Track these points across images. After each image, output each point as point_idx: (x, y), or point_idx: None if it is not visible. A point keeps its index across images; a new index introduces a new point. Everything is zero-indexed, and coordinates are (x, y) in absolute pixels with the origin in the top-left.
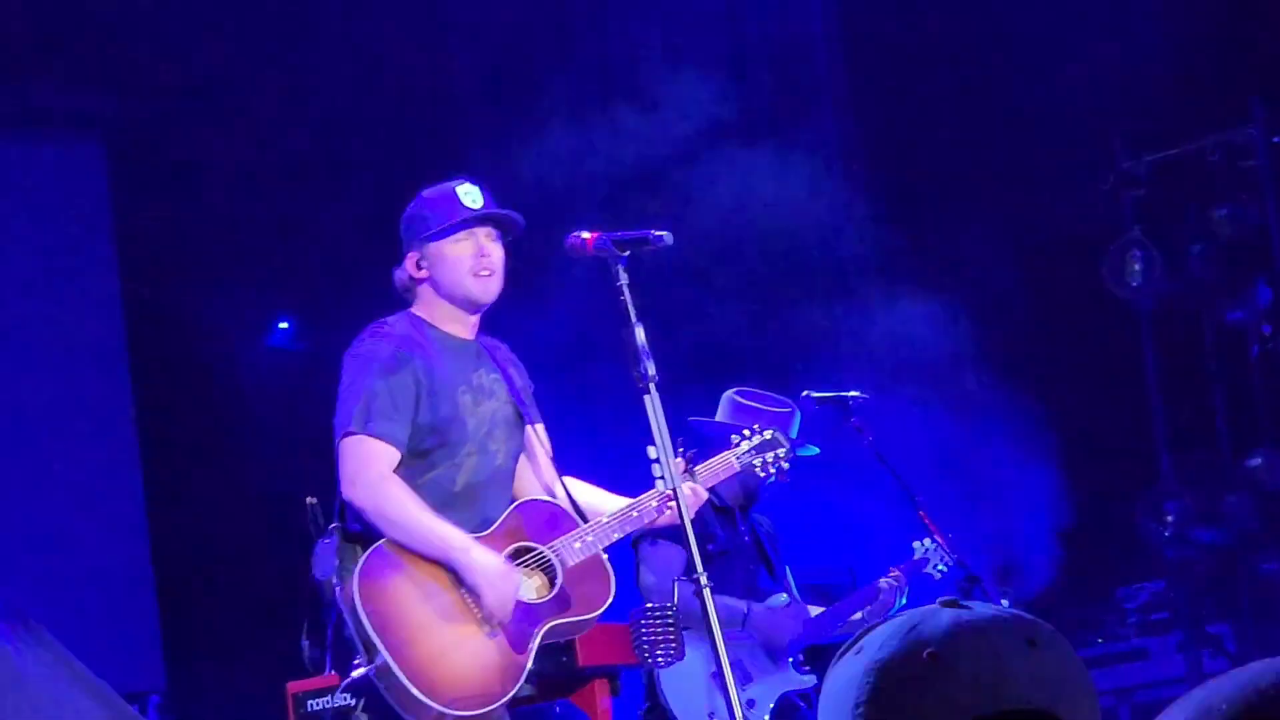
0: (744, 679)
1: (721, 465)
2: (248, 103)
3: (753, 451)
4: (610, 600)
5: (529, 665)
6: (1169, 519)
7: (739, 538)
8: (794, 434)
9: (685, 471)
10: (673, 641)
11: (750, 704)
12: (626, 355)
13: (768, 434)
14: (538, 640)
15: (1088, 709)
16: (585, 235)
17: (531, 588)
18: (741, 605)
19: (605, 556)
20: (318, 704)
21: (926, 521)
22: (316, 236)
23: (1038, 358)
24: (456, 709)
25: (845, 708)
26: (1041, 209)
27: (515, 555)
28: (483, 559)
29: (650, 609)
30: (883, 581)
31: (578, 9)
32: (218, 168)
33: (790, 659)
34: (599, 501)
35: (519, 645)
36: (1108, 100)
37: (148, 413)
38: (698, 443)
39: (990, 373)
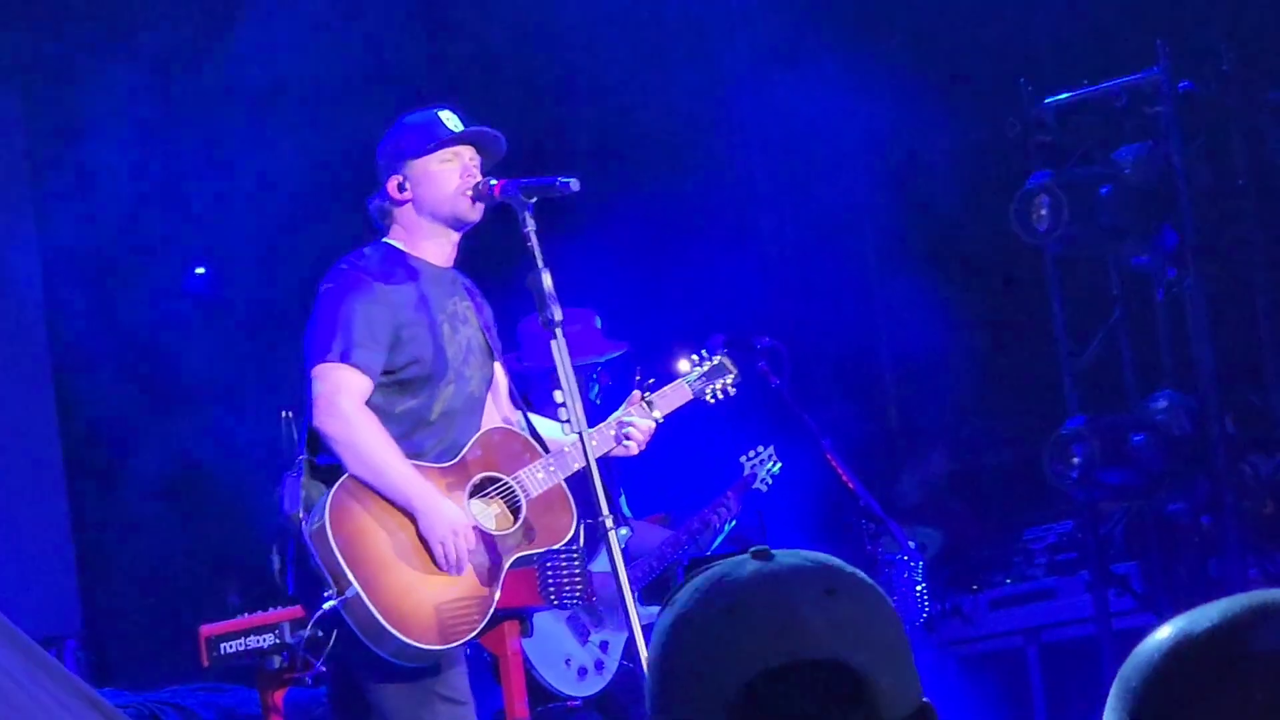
0: (583, 631)
1: (676, 393)
2: (163, 49)
3: (704, 378)
4: (573, 532)
5: (496, 598)
6: (1075, 461)
7: None
8: (599, 325)
9: (643, 401)
10: (579, 583)
11: (603, 647)
12: (533, 300)
13: (716, 359)
14: (505, 572)
15: (888, 660)
16: (493, 181)
17: (492, 517)
18: None
19: (566, 488)
20: (230, 647)
21: (834, 464)
22: (238, 181)
23: (944, 303)
24: (425, 642)
25: (654, 661)
26: (946, 154)
27: (480, 485)
28: (441, 511)
29: (556, 550)
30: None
31: None
32: (134, 112)
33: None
34: (560, 434)
35: (486, 579)
36: (1013, 45)
37: (64, 354)
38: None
39: (898, 319)
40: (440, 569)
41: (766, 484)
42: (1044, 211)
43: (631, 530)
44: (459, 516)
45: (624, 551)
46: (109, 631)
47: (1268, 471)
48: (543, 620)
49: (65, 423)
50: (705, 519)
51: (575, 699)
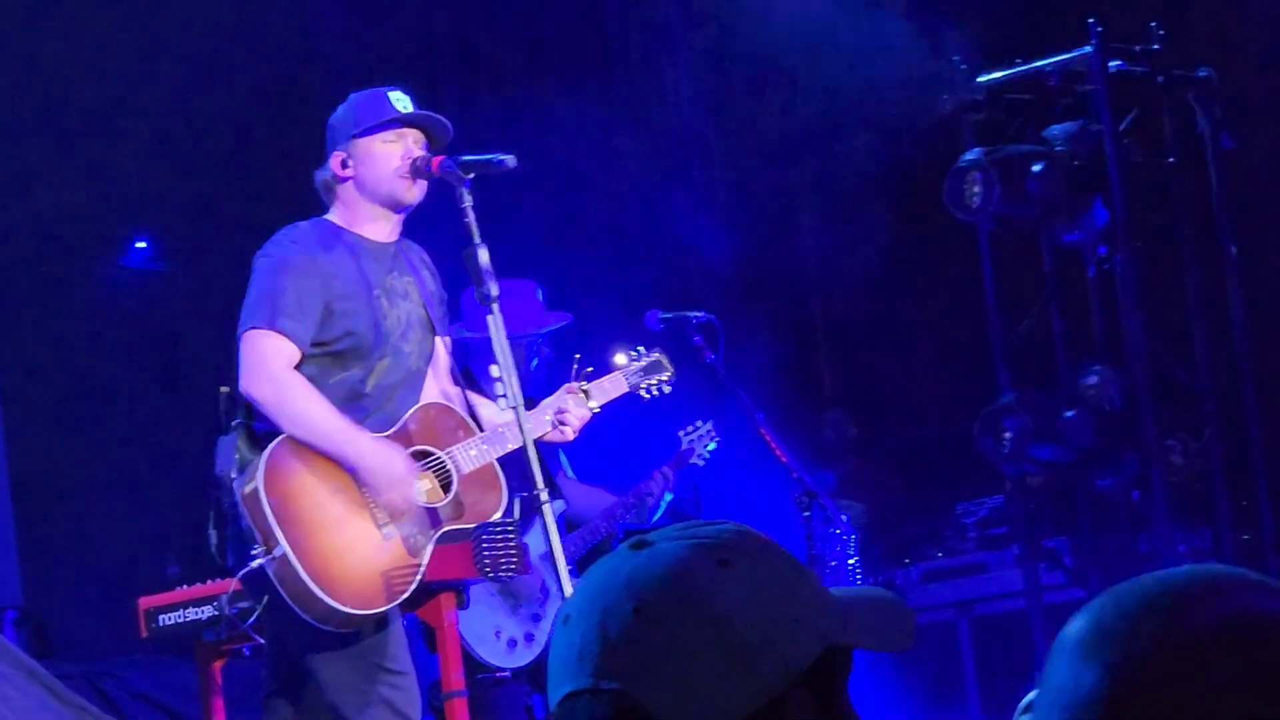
0: (514, 603)
1: (613, 385)
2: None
3: (640, 373)
4: (503, 509)
5: (423, 568)
6: (1007, 436)
7: None
8: (540, 297)
9: (580, 391)
10: (514, 556)
11: (534, 619)
12: (470, 275)
13: (654, 356)
14: (433, 545)
15: (679, 690)
16: (431, 158)
17: (424, 491)
18: None
19: (498, 467)
20: (169, 618)
21: (767, 438)
22: (177, 154)
23: (880, 279)
24: (351, 607)
25: None
26: (881, 131)
27: (413, 459)
28: (379, 457)
29: (492, 524)
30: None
31: None
32: (71, 80)
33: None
34: (497, 416)
35: (414, 549)
36: (946, 22)
37: (3, 329)
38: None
39: (833, 295)
40: (385, 516)
41: (703, 459)
42: (977, 188)
43: (567, 502)
44: (396, 463)
45: (560, 519)
46: (48, 603)
47: (1196, 447)
48: (474, 592)
49: (5, 396)
50: (641, 493)
51: (505, 671)
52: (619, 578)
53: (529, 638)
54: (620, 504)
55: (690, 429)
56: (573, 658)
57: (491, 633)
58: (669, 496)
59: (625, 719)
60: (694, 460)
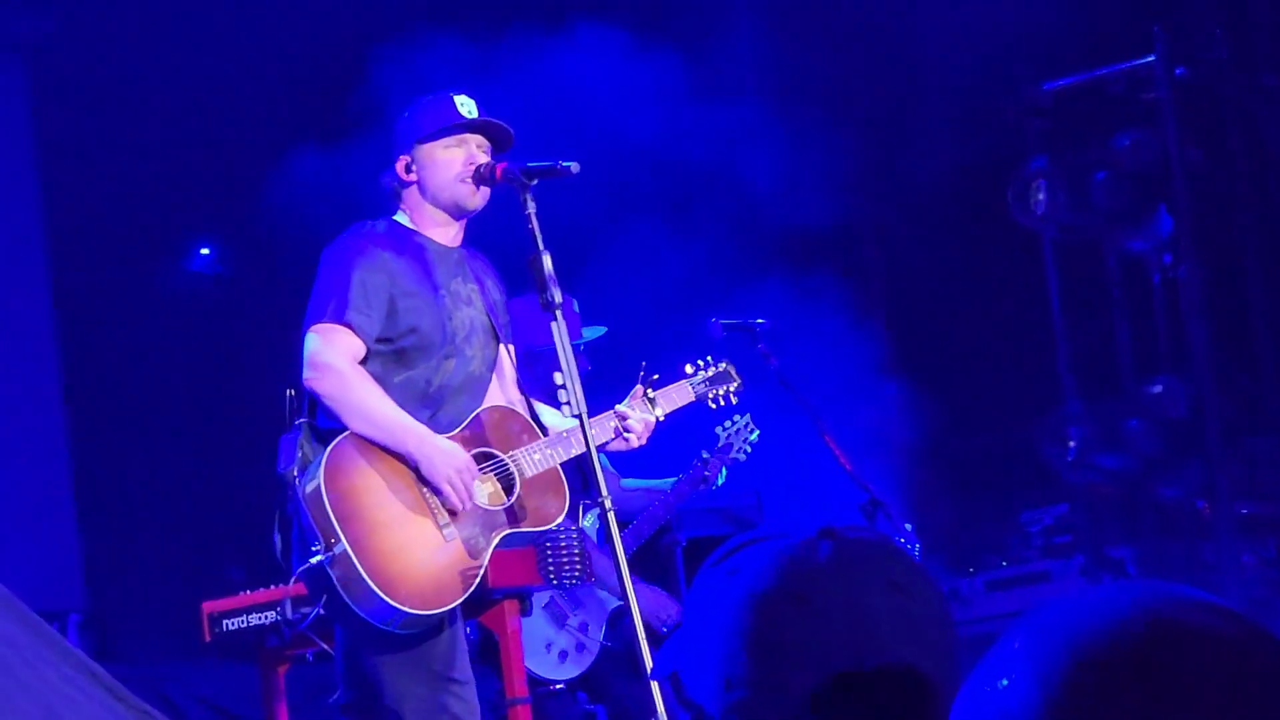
0: (561, 615)
1: (679, 393)
2: (170, 26)
3: (706, 383)
4: (564, 515)
5: (483, 571)
6: (1071, 444)
7: None
8: (576, 309)
9: (645, 398)
10: (578, 563)
11: (583, 628)
12: (534, 282)
13: (722, 366)
14: (492, 548)
15: (948, 659)
16: (495, 164)
17: (485, 494)
18: None
19: (563, 474)
20: (232, 623)
21: (831, 446)
22: (241, 162)
23: (945, 286)
24: (410, 607)
25: (718, 631)
26: (946, 138)
27: (476, 460)
28: (440, 449)
29: (556, 531)
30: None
31: None
32: (141, 90)
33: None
34: (561, 423)
35: (474, 551)
36: (1012, 29)
37: (68, 333)
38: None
39: (897, 302)
40: (445, 517)
41: (745, 453)
42: (1041, 195)
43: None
44: (458, 453)
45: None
46: (112, 607)
47: (1264, 455)
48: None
49: (70, 399)
50: (694, 480)
51: (558, 683)
52: (850, 564)
53: (580, 647)
54: (663, 504)
55: (729, 423)
56: (824, 638)
57: (542, 645)
58: (722, 478)
59: (915, 695)
60: (734, 455)
